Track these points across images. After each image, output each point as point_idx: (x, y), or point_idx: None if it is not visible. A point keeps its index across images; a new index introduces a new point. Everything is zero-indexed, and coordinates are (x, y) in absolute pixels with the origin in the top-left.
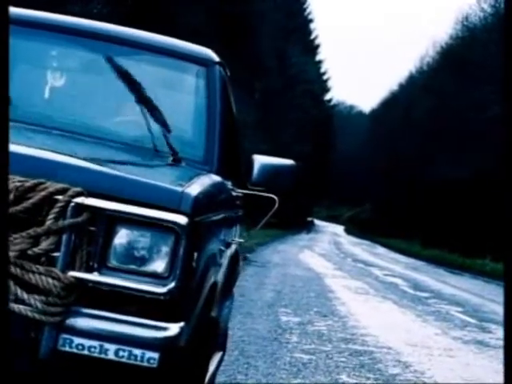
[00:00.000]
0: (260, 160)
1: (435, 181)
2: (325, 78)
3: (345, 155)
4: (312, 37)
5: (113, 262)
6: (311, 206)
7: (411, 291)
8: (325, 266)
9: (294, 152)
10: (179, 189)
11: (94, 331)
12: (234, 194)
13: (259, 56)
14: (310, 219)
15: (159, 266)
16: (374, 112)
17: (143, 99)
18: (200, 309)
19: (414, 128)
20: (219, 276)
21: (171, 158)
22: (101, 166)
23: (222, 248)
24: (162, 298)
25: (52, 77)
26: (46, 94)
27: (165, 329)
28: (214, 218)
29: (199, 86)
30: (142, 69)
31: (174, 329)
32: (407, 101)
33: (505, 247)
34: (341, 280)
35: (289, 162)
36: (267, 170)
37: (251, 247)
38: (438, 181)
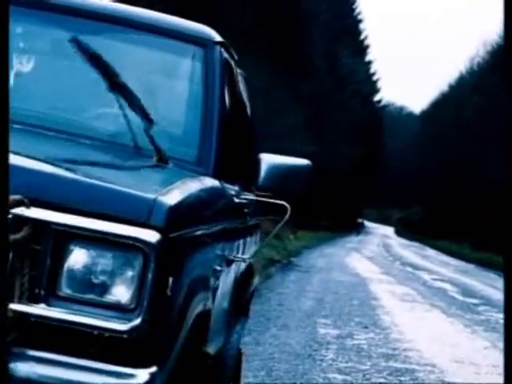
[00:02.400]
0: (268, 160)
1: (486, 182)
2: (374, 78)
3: (396, 157)
4: (362, 37)
5: (64, 291)
6: (361, 208)
7: (460, 297)
8: (371, 271)
9: (343, 154)
10: (150, 196)
11: (39, 379)
12: (238, 200)
13: (308, 57)
14: (360, 221)
15: (123, 295)
16: (424, 113)
17: (125, 87)
18: (181, 347)
19: (464, 129)
20: (218, 301)
21: (155, 158)
22: (50, 166)
23: (219, 267)
24: (125, 336)
25: (17, 60)
26: (11, 81)
27: (130, 376)
28: (203, 231)
29: (195, 70)
30: (124, 50)
31: (142, 376)
32: (457, 102)
33: (504, 245)
34: (387, 286)
35: (303, 161)
36: (277, 171)
37: (297, 250)
38: (488, 182)
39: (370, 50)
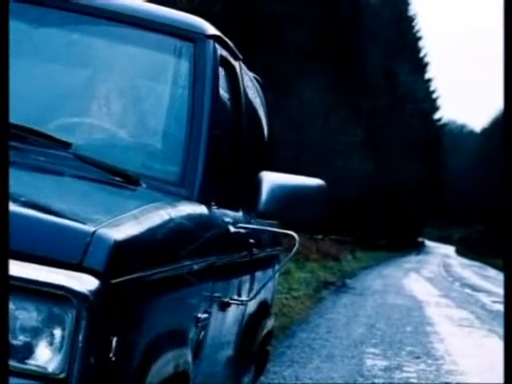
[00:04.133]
0: (271, 180)
1: None
2: (434, 96)
3: (457, 175)
4: (421, 55)
5: None
6: (422, 227)
7: None
8: (429, 293)
9: (403, 172)
10: (88, 228)
11: None
12: (235, 230)
13: (367, 74)
14: (420, 240)
15: (50, 361)
16: (484, 131)
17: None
18: None
19: None
20: (209, 355)
21: (122, 178)
22: None
23: (204, 314)
24: None
25: None
26: None
27: None
28: (172, 272)
29: (180, 69)
30: (94, 45)
31: None
32: None
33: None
34: (444, 309)
35: (314, 181)
36: (281, 194)
37: (353, 272)
38: None
39: (429, 68)
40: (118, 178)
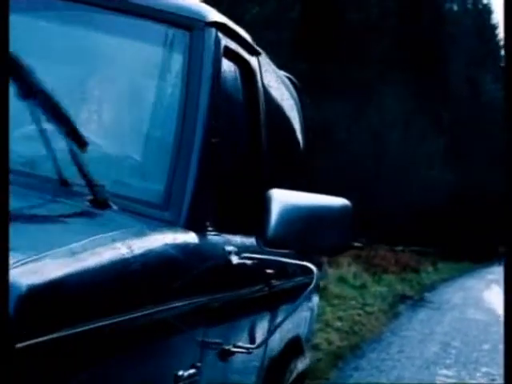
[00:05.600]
0: (281, 199)
1: None
2: None
3: None
4: (504, 63)
5: None
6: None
7: None
8: None
9: (485, 182)
10: None
11: None
12: (239, 261)
13: (450, 83)
14: (502, 250)
15: None
16: None
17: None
18: None
19: None
20: None
21: (89, 198)
22: None
23: (189, 370)
24: None
25: None
26: None
27: None
28: (132, 322)
29: (171, 64)
30: (68, 35)
31: None
32: None
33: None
34: None
35: (336, 201)
36: (294, 217)
37: (433, 284)
38: None
39: None
40: (86, 199)
